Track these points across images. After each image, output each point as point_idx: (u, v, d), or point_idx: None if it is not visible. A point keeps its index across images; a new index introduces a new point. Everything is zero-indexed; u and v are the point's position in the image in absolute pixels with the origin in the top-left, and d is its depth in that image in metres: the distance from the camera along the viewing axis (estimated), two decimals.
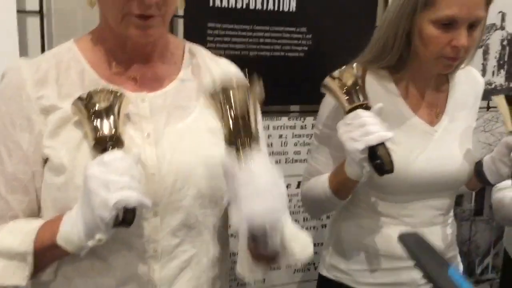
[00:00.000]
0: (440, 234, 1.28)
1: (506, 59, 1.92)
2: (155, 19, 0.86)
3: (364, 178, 1.12)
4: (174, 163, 0.89)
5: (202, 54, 1.03)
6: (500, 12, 1.86)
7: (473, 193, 1.98)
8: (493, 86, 1.92)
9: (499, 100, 1.23)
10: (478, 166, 1.26)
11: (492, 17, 1.86)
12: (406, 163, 1.18)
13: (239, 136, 0.82)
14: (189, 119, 0.95)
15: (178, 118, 0.94)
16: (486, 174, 1.24)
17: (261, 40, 1.54)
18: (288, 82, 1.60)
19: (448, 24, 1.11)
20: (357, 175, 1.11)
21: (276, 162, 1.60)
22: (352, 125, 1.07)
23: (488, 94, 1.91)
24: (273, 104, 1.61)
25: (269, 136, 1.62)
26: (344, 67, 1.16)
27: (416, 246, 0.78)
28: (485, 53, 1.88)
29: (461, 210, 1.99)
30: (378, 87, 1.22)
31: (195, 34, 1.44)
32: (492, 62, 1.90)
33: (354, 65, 1.16)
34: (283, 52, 1.57)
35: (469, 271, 2.05)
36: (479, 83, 1.35)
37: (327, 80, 1.16)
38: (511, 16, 1.88)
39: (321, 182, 1.22)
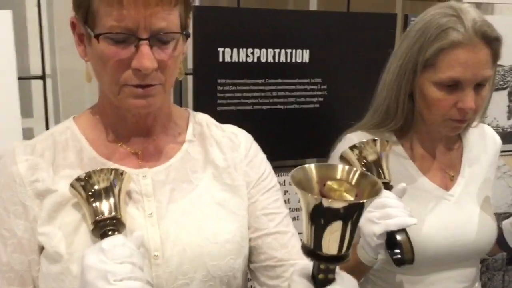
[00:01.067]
0: None
1: None
2: (155, 88, 0.82)
3: (378, 266, 1.02)
4: (179, 244, 0.84)
5: (207, 122, 0.99)
6: None
7: None
8: None
9: None
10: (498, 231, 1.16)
11: None
12: (418, 232, 1.08)
13: None
14: (194, 194, 0.90)
15: (183, 193, 0.89)
16: (508, 240, 1.14)
17: (274, 94, 1.49)
18: (304, 135, 1.54)
19: (451, 85, 1.03)
20: (370, 261, 1.00)
21: (294, 219, 1.52)
22: (372, 205, 0.94)
23: None
24: (289, 158, 1.55)
25: (285, 192, 1.55)
26: (366, 140, 1.07)
27: None
28: (511, 94, 1.80)
29: (493, 259, 1.88)
30: None
31: (205, 91, 1.41)
32: None
33: (379, 140, 1.06)
34: (297, 104, 1.52)
35: None
36: (496, 143, 1.26)
37: (346, 152, 1.05)
38: None
39: None
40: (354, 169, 0.73)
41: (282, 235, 0.92)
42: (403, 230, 0.93)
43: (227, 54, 1.41)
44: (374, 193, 0.68)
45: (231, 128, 1.00)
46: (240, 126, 1.46)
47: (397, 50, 1.12)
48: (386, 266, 1.14)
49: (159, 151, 0.91)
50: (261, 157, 0.99)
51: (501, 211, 1.85)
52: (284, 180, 1.55)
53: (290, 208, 1.56)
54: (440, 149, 1.19)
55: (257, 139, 1.50)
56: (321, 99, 1.54)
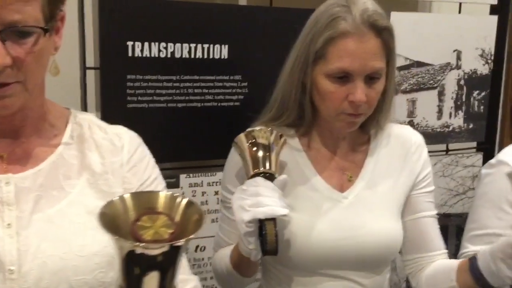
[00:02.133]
0: None
1: (463, 100, 1.81)
2: (11, 88, 0.74)
3: (254, 257, 0.96)
4: (39, 257, 0.76)
5: (90, 123, 0.91)
6: (455, 50, 1.76)
7: None
8: (450, 128, 1.81)
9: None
10: (472, 261, 1.07)
11: (447, 55, 1.76)
12: (307, 233, 1.04)
13: None
14: (64, 202, 0.82)
15: (51, 202, 0.81)
16: (483, 273, 1.04)
17: (190, 91, 1.42)
18: (223, 134, 1.47)
19: (342, 77, 0.99)
20: (245, 251, 0.96)
21: (213, 221, 1.47)
22: (246, 192, 0.93)
23: (445, 137, 1.81)
24: (208, 158, 1.48)
25: (203, 193, 1.49)
26: (260, 127, 1.05)
27: None
28: (441, 94, 1.77)
29: None
30: None
31: (113, 87, 1.33)
32: (448, 103, 1.79)
33: (274, 131, 1.03)
34: (216, 102, 1.46)
35: None
36: (412, 144, 1.18)
37: (240, 137, 1.03)
38: (467, 55, 1.78)
39: (224, 256, 1.08)
40: (179, 197, 0.65)
41: None
42: (271, 220, 0.91)
43: (137, 49, 1.33)
44: (196, 226, 0.61)
45: (116, 130, 0.92)
46: (153, 125, 1.40)
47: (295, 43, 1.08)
48: (280, 267, 1.11)
49: (28, 154, 0.83)
50: (147, 162, 0.92)
51: None
52: (202, 181, 1.48)
53: (208, 210, 1.50)
54: (343, 148, 1.14)
55: (173, 138, 1.44)
56: (241, 96, 1.48)
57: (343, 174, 1.13)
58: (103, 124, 0.92)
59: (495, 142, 1.89)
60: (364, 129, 1.15)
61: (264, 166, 0.97)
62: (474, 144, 1.91)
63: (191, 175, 1.48)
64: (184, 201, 0.64)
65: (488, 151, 1.88)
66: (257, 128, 1.05)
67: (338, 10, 0.99)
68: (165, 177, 1.46)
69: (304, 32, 1.05)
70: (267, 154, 0.99)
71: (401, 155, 1.16)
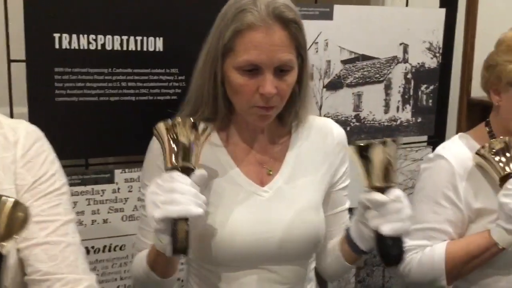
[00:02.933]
0: None
1: (411, 93, 1.80)
2: None
3: (169, 253, 0.92)
4: None
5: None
6: (402, 43, 1.75)
7: None
8: (398, 122, 1.80)
9: (351, 150, 1.03)
10: (347, 230, 1.09)
11: (394, 49, 1.74)
12: (227, 228, 1.03)
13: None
14: None
15: None
16: (356, 242, 1.05)
17: (124, 84, 1.39)
18: None
19: (252, 70, 0.98)
20: (158, 246, 0.93)
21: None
22: (161, 188, 0.90)
23: (393, 131, 1.80)
24: (144, 153, 1.45)
25: (140, 189, 1.46)
26: (186, 119, 0.98)
27: None
28: (388, 87, 1.76)
29: (372, 255, 1.85)
30: None
31: (40, 81, 1.29)
32: (396, 97, 1.78)
33: (196, 123, 0.98)
34: (151, 96, 1.42)
35: None
36: (331, 135, 1.16)
37: (160, 126, 0.96)
38: (414, 48, 1.77)
39: (142, 258, 1.05)
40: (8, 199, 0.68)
41: (53, 246, 0.83)
42: (184, 219, 0.88)
43: (65, 41, 1.30)
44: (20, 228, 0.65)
45: (14, 124, 0.89)
46: (85, 119, 1.37)
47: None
48: (202, 263, 1.10)
49: None
50: (45, 157, 0.89)
51: None
52: (138, 176, 1.45)
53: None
54: (261, 142, 1.12)
55: (107, 132, 1.41)
56: (178, 90, 1.44)
57: (262, 168, 1.11)
58: (2, 119, 0.89)
59: (444, 135, 1.88)
60: (283, 122, 1.14)
61: (184, 159, 0.93)
62: (424, 138, 1.90)
63: (126, 170, 1.45)
64: (10, 201, 0.67)
65: (438, 145, 1.86)
66: (179, 118, 1.00)
67: (245, 3, 0.98)
68: (100, 172, 1.45)
69: (214, 25, 1.03)
70: (187, 146, 0.94)
71: (322, 148, 1.14)
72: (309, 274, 1.17)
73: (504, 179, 1.24)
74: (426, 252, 1.32)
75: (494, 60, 1.36)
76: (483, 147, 1.30)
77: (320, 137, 1.15)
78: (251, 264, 1.07)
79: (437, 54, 1.79)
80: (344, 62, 1.68)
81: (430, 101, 1.83)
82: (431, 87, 1.82)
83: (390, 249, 0.95)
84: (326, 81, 1.67)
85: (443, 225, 1.33)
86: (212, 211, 1.02)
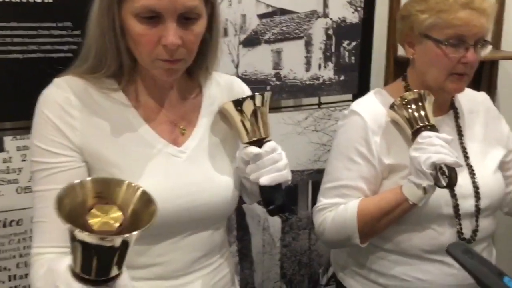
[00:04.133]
0: (202, 282, 1.03)
1: (333, 50, 1.73)
2: None
3: None
4: None
5: None
6: None
7: (309, 199, 1.80)
8: (320, 80, 1.73)
9: (226, 108, 1.03)
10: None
11: (313, 2, 1.66)
12: None
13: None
14: None
15: None
16: (243, 197, 1.10)
17: (8, 40, 1.24)
18: None
19: (152, 18, 0.87)
20: None
21: None
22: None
23: (316, 89, 1.73)
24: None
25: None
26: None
27: (465, 256, 0.86)
28: (308, 44, 1.68)
29: (297, 218, 1.80)
30: (102, 99, 0.96)
31: None
32: (317, 54, 1.70)
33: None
34: (42, 53, 1.28)
35: (313, 283, 1.88)
36: (242, 94, 1.08)
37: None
38: (334, 2, 1.69)
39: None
40: (135, 187, 0.73)
41: None
42: None
43: None
44: (148, 219, 0.69)
45: None
46: None
47: None
48: None
49: None
50: None
51: (303, 168, 1.77)
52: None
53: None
54: (172, 99, 1.02)
55: None
56: (73, 46, 1.31)
57: (175, 127, 1.02)
58: None
59: None
60: (193, 77, 1.05)
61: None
62: (348, 96, 1.84)
63: (18, 137, 1.31)
64: (139, 191, 0.72)
65: None
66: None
67: None
68: None
69: None
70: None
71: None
72: (224, 240, 1.11)
73: (416, 133, 1.19)
74: (339, 210, 1.28)
75: (407, 10, 1.30)
76: (396, 101, 1.25)
77: (232, 96, 1.06)
78: (166, 234, 0.98)
79: (359, 9, 1.73)
80: (260, 16, 1.58)
81: (353, 58, 1.77)
82: (354, 44, 1.76)
83: (271, 199, 0.98)
84: (242, 37, 1.57)
85: (357, 181, 1.29)
86: (126, 178, 0.91)
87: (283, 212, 1.02)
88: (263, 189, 0.98)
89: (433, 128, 1.20)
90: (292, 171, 1.74)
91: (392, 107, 1.25)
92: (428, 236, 1.28)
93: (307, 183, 1.78)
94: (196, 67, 1.01)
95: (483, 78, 2.22)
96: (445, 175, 1.16)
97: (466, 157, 1.33)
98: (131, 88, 0.99)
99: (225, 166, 1.04)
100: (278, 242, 1.78)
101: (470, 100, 1.40)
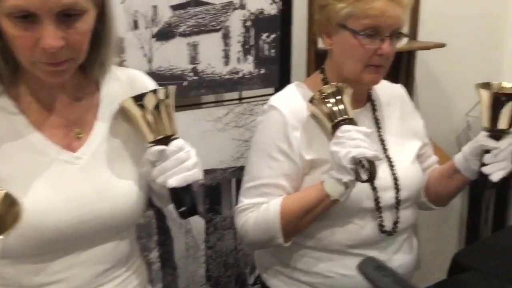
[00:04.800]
0: None
1: (252, 43, 1.67)
2: None
3: None
4: None
5: None
6: None
7: (233, 197, 1.75)
8: (240, 74, 1.67)
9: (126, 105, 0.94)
10: None
11: None
12: (34, 209, 0.83)
13: None
14: None
15: None
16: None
17: None
18: None
19: (26, 17, 0.77)
20: None
21: None
22: None
23: (236, 84, 1.67)
24: None
25: None
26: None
27: (379, 274, 0.82)
28: (226, 37, 1.61)
29: (221, 218, 1.74)
30: None
31: None
32: (236, 47, 1.64)
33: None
34: None
35: (240, 283, 1.83)
36: (145, 88, 1.00)
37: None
38: None
39: None
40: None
41: None
42: None
43: None
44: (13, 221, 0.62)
45: None
46: None
47: None
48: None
49: None
50: None
51: (226, 165, 1.71)
52: None
53: None
54: (63, 100, 0.93)
55: None
56: None
57: (69, 130, 0.92)
58: None
59: None
60: (87, 74, 0.95)
61: None
62: (271, 90, 1.80)
63: None
64: (2, 194, 0.64)
65: None
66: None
67: None
68: None
69: None
70: None
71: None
72: (133, 249, 1.03)
73: (335, 127, 1.16)
74: (262, 210, 1.23)
75: (324, 0, 1.27)
76: (315, 95, 1.21)
77: (134, 93, 0.97)
78: (63, 249, 0.89)
79: (277, 0, 1.68)
80: (174, 8, 1.49)
81: (273, 51, 1.72)
82: (273, 36, 1.71)
83: (181, 201, 0.92)
84: (155, 30, 1.48)
85: (278, 179, 1.24)
86: (15, 191, 0.81)
87: (195, 214, 0.94)
88: (172, 191, 0.91)
89: (352, 121, 1.17)
90: (214, 170, 1.70)
91: (311, 101, 1.22)
92: (350, 231, 1.27)
93: (230, 181, 1.72)
94: (88, 62, 0.91)
95: (402, 69, 2.26)
96: (366, 169, 1.14)
97: (385, 149, 1.33)
98: (18, 91, 0.89)
99: (128, 171, 0.95)
100: (203, 244, 1.71)
101: (387, 92, 1.40)
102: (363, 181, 1.15)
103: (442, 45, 2.18)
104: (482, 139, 1.21)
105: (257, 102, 1.73)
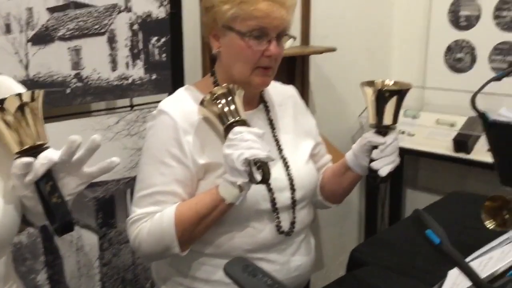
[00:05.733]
0: None
1: (141, 47, 1.61)
2: None
3: None
4: None
5: None
6: None
7: (128, 212, 1.66)
8: (130, 80, 1.60)
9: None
10: None
11: None
12: None
13: None
14: None
15: None
16: None
17: None
18: None
19: None
20: None
21: None
22: None
23: (126, 90, 1.60)
24: None
25: None
26: None
27: (245, 275, 0.79)
28: (112, 41, 1.53)
29: (117, 232, 1.65)
30: None
31: None
32: (123, 52, 1.57)
33: None
34: None
35: None
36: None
37: None
38: None
39: None
40: None
41: None
42: None
43: None
44: None
45: None
46: None
47: None
48: None
49: None
50: None
51: (119, 176, 1.63)
52: None
53: None
54: None
55: None
56: None
57: None
58: None
59: None
60: None
61: None
62: (164, 96, 1.73)
63: None
64: None
65: None
66: None
67: None
68: None
69: None
70: None
71: None
72: (8, 273, 0.93)
73: (228, 129, 1.14)
74: (155, 220, 1.17)
75: (210, 2, 1.24)
76: (205, 97, 1.18)
77: None
78: None
79: (164, 3, 1.63)
80: (51, 10, 1.39)
81: (164, 55, 1.67)
82: (163, 40, 1.65)
83: (55, 217, 0.83)
84: (31, 33, 1.37)
85: (172, 186, 1.19)
86: None
87: (71, 230, 0.85)
88: (45, 207, 0.83)
89: (244, 122, 1.15)
90: (106, 181, 1.61)
91: (202, 103, 1.18)
92: (249, 234, 1.24)
93: (125, 192, 1.64)
94: None
95: (296, 73, 2.30)
96: (259, 170, 1.12)
97: (280, 149, 1.32)
98: None
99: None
100: (97, 262, 1.60)
101: (279, 93, 1.40)
102: (257, 183, 1.13)
103: (333, 49, 2.25)
104: (369, 135, 1.25)
105: (149, 109, 1.67)
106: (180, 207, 1.18)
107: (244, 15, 1.18)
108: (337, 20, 2.44)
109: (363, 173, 1.30)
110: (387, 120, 1.24)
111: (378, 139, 1.23)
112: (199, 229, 1.18)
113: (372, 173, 1.24)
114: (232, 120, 1.14)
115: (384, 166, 1.23)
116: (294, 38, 1.26)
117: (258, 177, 1.12)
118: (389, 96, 1.23)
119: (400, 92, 1.24)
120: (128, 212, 1.64)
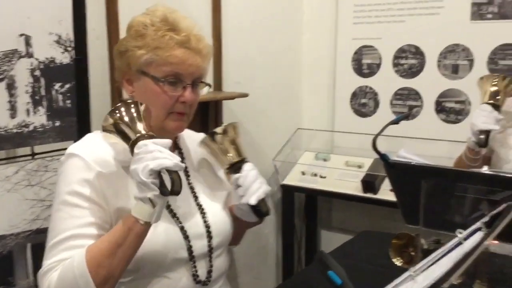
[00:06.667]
0: None
1: (43, 94, 1.55)
2: None
3: None
4: None
5: None
6: (22, 35, 1.48)
7: (29, 265, 1.55)
8: (31, 128, 1.52)
9: None
10: None
11: (13, 41, 1.46)
12: None
13: None
14: None
15: None
16: None
17: None
18: None
19: None
20: None
21: None
22: None
23: (26, 138, 1.52)
24: None
25: None
26: None
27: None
28: (11, 87, 1.46)
29: None
30: None
31: None
32: (23, 98, 1.50)
33: None
34: None
35: None
36: None
37: None
38: (39, 40, 1.52)
39: None
40: None
41: None
42: None
43: None
44: None
45: None
46: None
47: None
48: None
49: None
50: None
51: (18, 230, 1.52)
52: None
53: None
54: None
55: None
56: None
57: None
58: None
59: None
60: None
61: None
62: (69, 143, 1.66)
63: None
64: None
65: None
66: None
67: None
68: None
69: None
70: None
71: None
72: None
73: (133, 146, 1.08)
74: (66, 265, 1.08)
75: (124, 46, 1.23)
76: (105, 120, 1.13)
77: None
78: None
79: (69, 48, 1.59)
80: None
81: (69, 101, 1.61)
82: (68, 86, 1.60)
83: None
84: None
85: (85, 228, 1.11)
86: None
87: None
88: None
89: (151, 136, 1.09)
90: (4, 236, 1.50)
91: (105, 129, 1.13)
92: (166, 286, 1.19)
93: (25, 247, 1.53)
94: None
95: (210, 117, 2.31)
96: (169, 180, 1.06)
97: (196, 196, 1.30)
98: None
99: None
100: None
101: (193, 141, 1.39)
102: (168, 194, 1.06)
103: (245, 95, 2.29)
104: (227, 177, 1.28)
105: (52, 157, 1.59)
106: (91, 245, 1.09)
107: (159, 60, 1.18)
108: (248, 67, 2.50)
109: (250, 218, 1.30)
110: (234, 157, 1.29)
111: (234, 176, 1.27)
112: (116, 262, 1.07)
113: (252, 209, 1.26)
114: (138, 135, 1.08)
115: (252, 196, 1.24)
116: (210, 85, 1.27)
117: (168, 186, 1.06)
118: (223, 138, 1.30)
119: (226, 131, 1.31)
120: (28, 269, 1.54)
